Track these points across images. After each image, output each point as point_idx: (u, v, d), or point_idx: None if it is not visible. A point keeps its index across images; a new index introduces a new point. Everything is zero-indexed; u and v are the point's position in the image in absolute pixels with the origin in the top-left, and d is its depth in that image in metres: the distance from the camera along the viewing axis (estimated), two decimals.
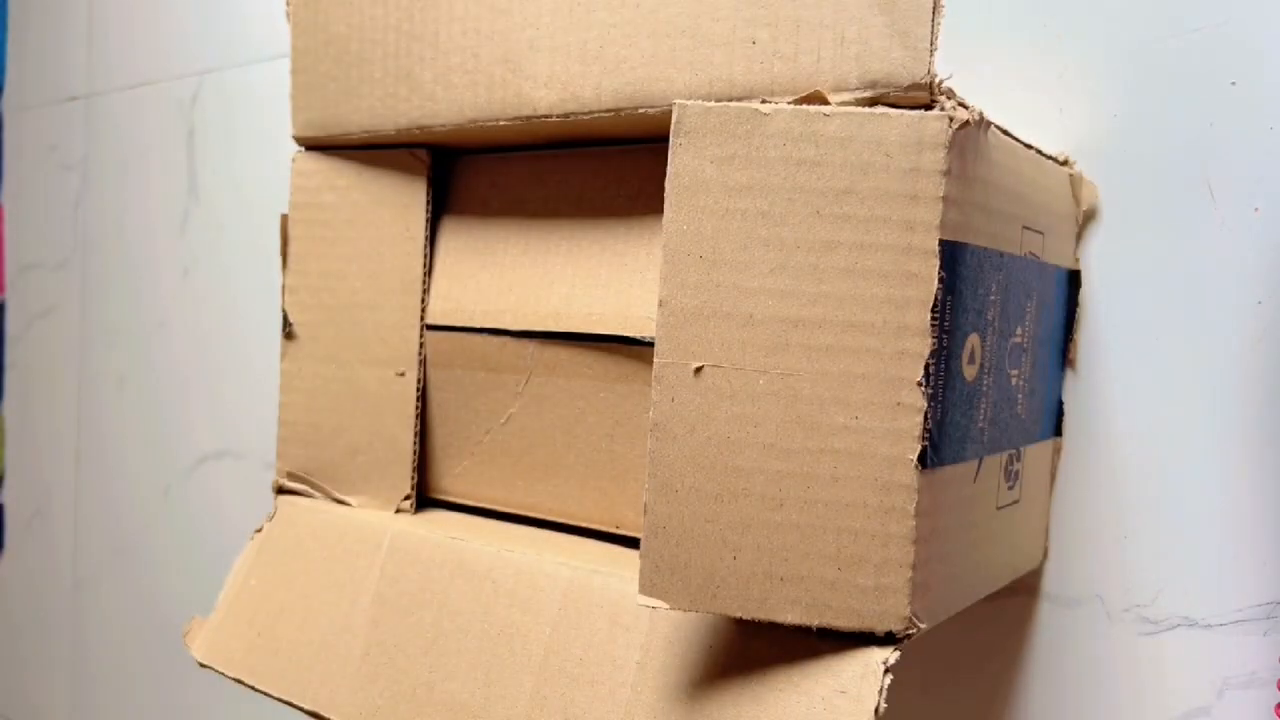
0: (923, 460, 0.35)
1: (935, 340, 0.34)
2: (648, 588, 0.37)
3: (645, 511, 0.37)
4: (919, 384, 0.34)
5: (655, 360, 0.35)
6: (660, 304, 0.35)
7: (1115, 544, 0.51)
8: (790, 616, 0.36)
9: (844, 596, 0.35)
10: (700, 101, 0.36)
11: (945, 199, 0.34)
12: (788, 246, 0.35)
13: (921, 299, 0.34)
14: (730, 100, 0.40)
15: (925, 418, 0.34)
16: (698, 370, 0.35)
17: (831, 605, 0.35)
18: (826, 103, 0.36)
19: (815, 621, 0.36)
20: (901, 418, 0.35)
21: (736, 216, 0.35)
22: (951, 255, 0.35)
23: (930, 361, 0.34)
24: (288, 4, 0.55)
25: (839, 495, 0.35)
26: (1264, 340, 0.47)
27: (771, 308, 0.35)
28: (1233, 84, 0.48)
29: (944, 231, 0.34)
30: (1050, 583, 0.52)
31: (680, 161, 0.35)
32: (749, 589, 0.36)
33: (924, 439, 0.34)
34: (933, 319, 0.34)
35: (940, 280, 0.34)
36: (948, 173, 0.34)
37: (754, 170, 0.35)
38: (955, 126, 0.34)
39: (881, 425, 0.35)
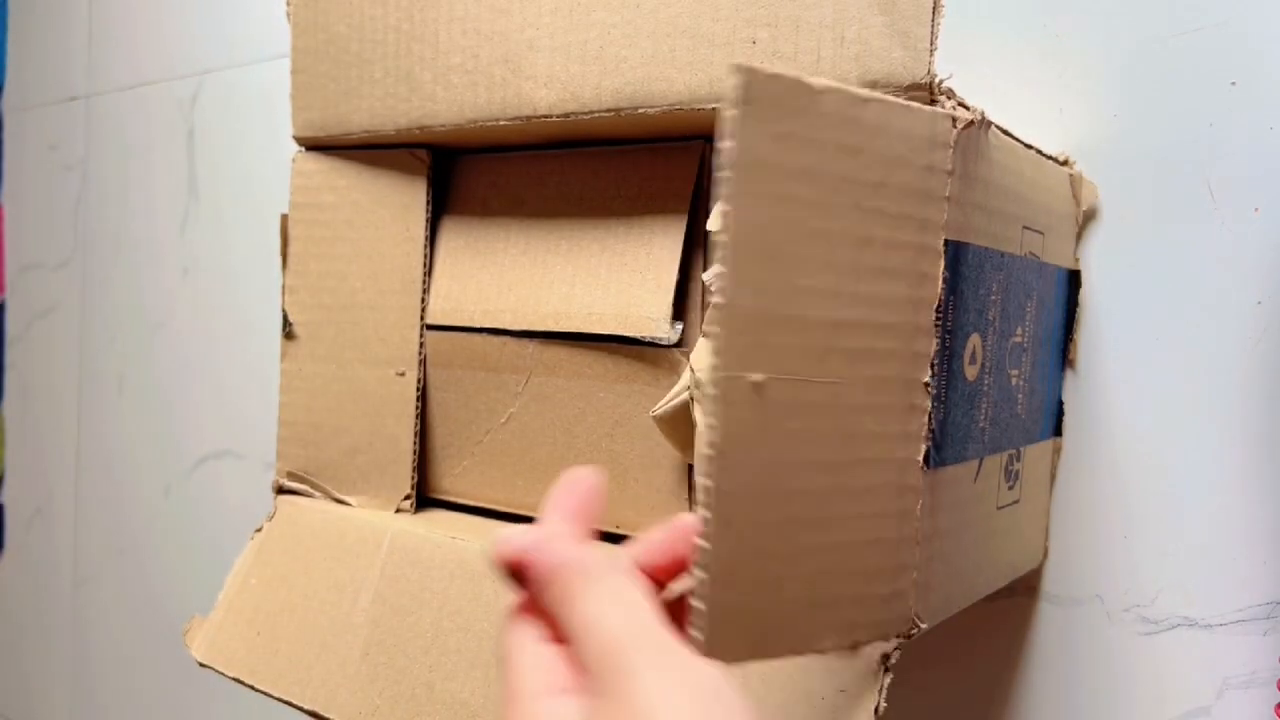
0: (926, 460, 0.34)
1: (939, 340, 0.34)
2: (712, 648, 0.30)
3: (701, 553, 0.30)
4: (925, 385, 0.34)
5: (713, 372, 0.30)
6: (720, 306, 0.29)
7: (1115, 544, 0.51)
8: (828, 644, 0.33)
9: (869, 610, 0.34)
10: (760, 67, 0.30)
11: (949, 198, 0.34)
12: (833, 241, 0.32)
13: (929, 299, 0.34)
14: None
15: (929, 418, 0.34)
16: (756, 384, 0.30)
17: (860, 622, 0.34)
18: None
19: (848, 643, 0.34)
20: (913, 420, 0.34)
21: (791, 205, 0.31)
22: (955, 255, 0.35)
23: (934, 362, 0.34)
24: (288, 4, 0.55)
25: (869, 507, 0.33)
26: (1264, 340, 0.47)
27: (819, 309, 0.31)
28: (1233, 84, 0.48)
29: (947, 231, 0.34)
30: (1050, 583, 0.52)
31: (743, 136, 0.29)
32: (795, 624, 0.32)
33: (927, 439, 0.34)
34: (936, 319, 0.34)
35: (944, 280, 0.34)
36: (952, 172, 0.34)
37: (808, 153, 0.31)
38: (961, 126, 0.34)
39: (900, 429, 0.34)
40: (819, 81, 0.31)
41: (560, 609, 0.27)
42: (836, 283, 0.32)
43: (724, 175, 0.29)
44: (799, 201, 0.31)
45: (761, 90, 0.29)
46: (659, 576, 0.31)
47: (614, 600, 0.27)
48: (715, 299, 0.29)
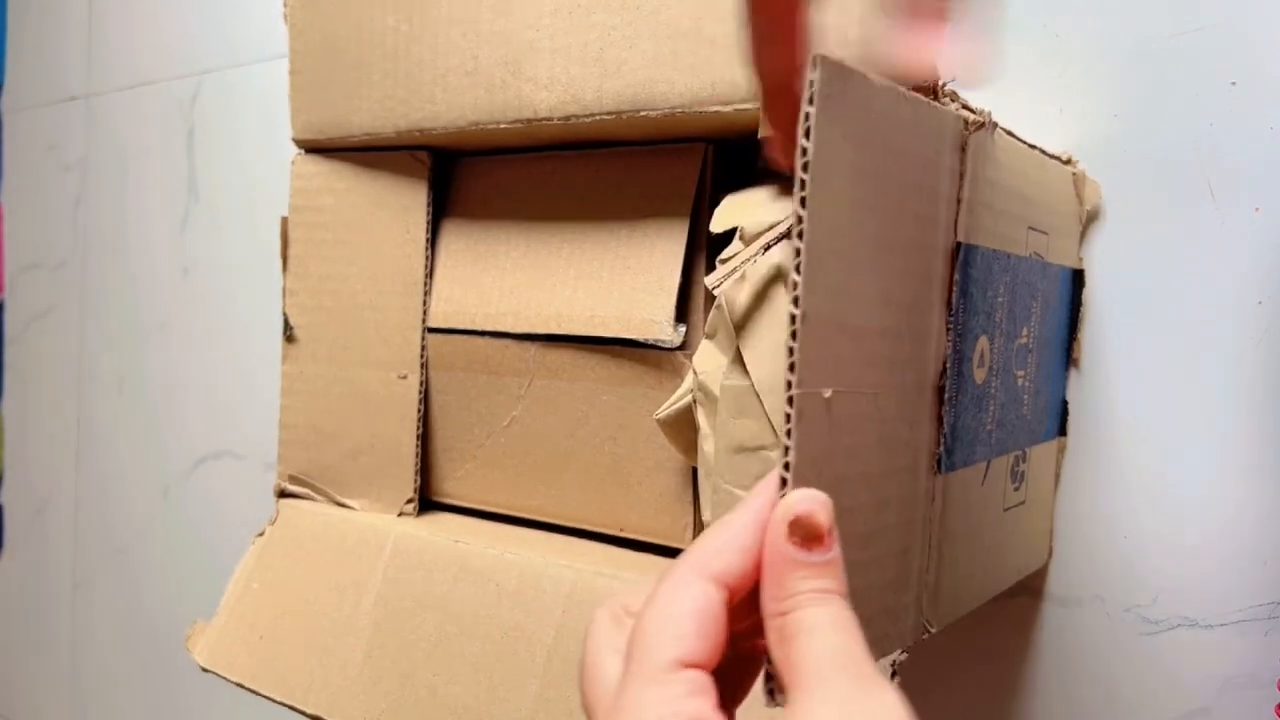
0: (938, 465, 0.34)
1: (950, 343, 0.34)
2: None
3: None
4: (940, 389, 0.34)
5: (790, 389, 0.28)
6: (801, 318, 0.27)
7: (1116, 544, 0.51)
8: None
9: (894, 621, 0.33)
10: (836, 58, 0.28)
11: (960, 200, 0.34)
12: (883, 245, 0.30)
13: (942, 302, 0.34)
14: (733, 104, 0.40)
15: (941, 422, 0.34)
16: (827, 399, 0.29)
17: (889, 634, 0.33)
18: None
19: (880, 657, 0.33)
20: (929, 425, 0.34)
21: (853, 207, 0.29)
22: (965, 258, 0.35)
23: (946, 365, 0.34)
24: (285, 5, 0.55)
25: (899, 516, 0.33)
26: (1264, 340, 0.47)
27: (871, 316, 0.30)
28: (1233, 84, 0.48)
29: (958, 232, 0.34)
30: (1051, 583, 0.52)
31: (822, 134, 0.27)
32: None
33: (940, 443, 0.34)
34: (948, 322, 0.34)
35: (955, 283, 0.34)
36: (964, 174, 0.34)
37: (868, 153, 0.30)
38: (973, 128, 0.34)
39: (923, 435, 0.33)
40: (875, 77, 0.29)
41: (800, 598, 0.26)
42: (881, 288, 0.30)
43: (803, 177, 0.27)
44: (859, 204, 0.29)
45: (838, 86, 0.28)
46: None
47: (838, 622, 0.25)
48: (792, 310, 0.27)
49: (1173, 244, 0.49)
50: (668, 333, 0.45)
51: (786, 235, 0.39)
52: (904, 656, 0.35)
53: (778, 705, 0.25)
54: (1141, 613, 0.50)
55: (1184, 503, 0.49)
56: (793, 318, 0.27)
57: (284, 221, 0.56)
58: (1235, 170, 0.48)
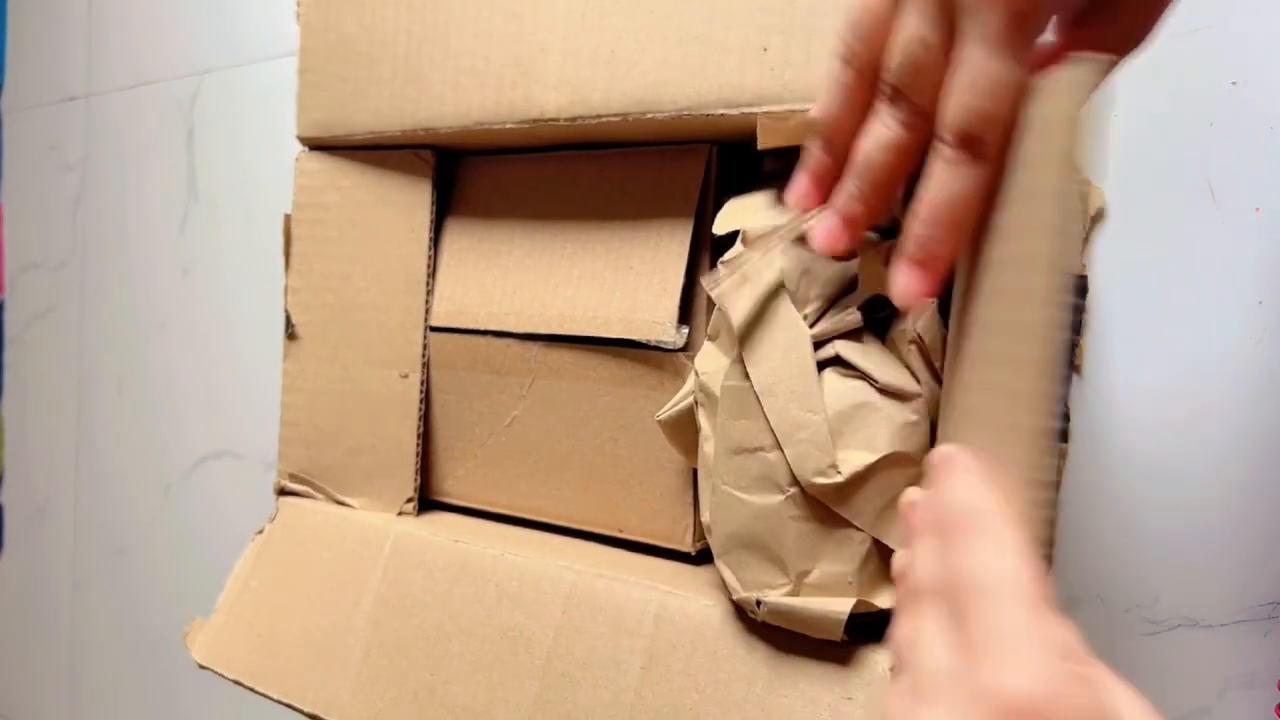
0: None
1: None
2: None
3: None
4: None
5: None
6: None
7: (1117, 544, 0.51)
8: None
9: None
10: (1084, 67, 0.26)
11: None
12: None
13: None
14: (739, 108, 0.40)
15: None
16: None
17: None
18: None
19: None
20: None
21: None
22: None
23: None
24: (298, 4, 0.55)
25: None
26: (1265, 340, 0.47)
27: (980, 341, 0.30)
28: (1233, 84, 0.48)
29: None
30: (1052, 583, 0.52)
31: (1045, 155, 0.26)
32: None
33: None
34: None
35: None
36: None
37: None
38: None
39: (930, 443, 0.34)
40: None
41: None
42: (983, 311, 0.30)
43: (1056, 213, 0.25)
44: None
45: (1067, 96, 0.26)
46: None
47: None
48: (1056, 332, 0.26)
49: (1173, 245, 0.49)
50: (670, 334, 0.45)
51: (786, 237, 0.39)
52: None
53: None
54: (1142, 613, 0.50)
55: (1184, 503, 0.49)
56: (1050, 341, 0.26)
57: (287, 219, 0.56)
58: (1235, 170, 0.48)
